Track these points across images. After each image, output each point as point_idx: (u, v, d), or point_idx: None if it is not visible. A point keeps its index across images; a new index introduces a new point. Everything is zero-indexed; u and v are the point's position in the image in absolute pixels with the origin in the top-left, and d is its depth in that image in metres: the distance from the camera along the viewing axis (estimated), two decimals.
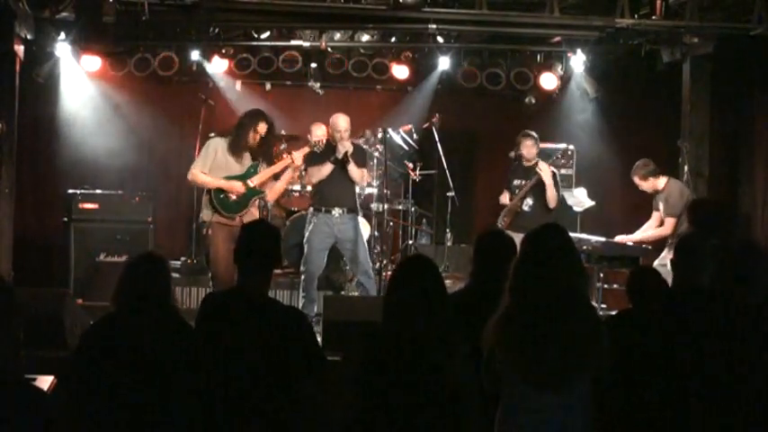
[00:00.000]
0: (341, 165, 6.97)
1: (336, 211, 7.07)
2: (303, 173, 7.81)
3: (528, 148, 7.62)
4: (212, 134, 7.35)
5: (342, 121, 7.02)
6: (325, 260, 7.27)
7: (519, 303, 3.18)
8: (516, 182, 7.68)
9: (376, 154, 8.39)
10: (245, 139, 6.57)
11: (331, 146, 7.03)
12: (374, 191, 8.43)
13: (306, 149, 6.89)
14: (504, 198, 7.72)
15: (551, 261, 3.18)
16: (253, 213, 6.65)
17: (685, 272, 3.75)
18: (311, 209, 7.22)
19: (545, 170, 7.39)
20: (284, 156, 8.58)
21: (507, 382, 3.18)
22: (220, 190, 6.50)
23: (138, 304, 3.50)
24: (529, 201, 7.54)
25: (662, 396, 3.44)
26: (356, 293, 7.49)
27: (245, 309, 3.56)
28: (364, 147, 7.96)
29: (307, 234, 7.18)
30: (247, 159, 6.64)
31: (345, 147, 6.94)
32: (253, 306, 3.57)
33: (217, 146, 6.61)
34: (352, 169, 7.02)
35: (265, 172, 6.67)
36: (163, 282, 3.59)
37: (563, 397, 3.12)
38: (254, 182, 6.59)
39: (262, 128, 6.59)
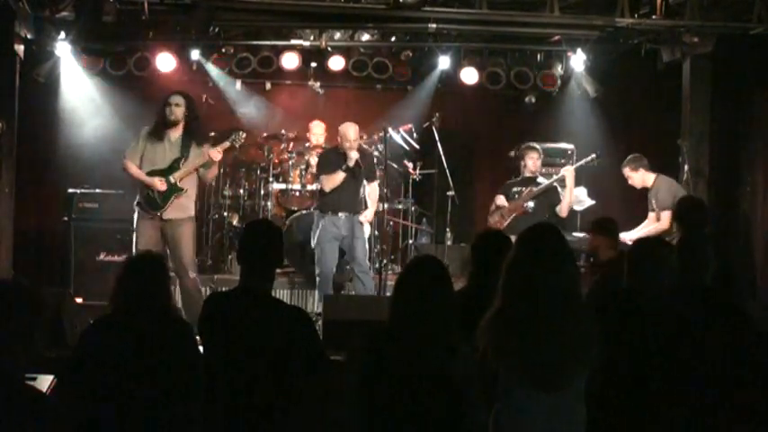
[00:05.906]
0: (351, 172, 7.32)
1: (342, 214, 7.38)
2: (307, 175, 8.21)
3: (534, 161, 7.72)
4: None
5: (351, 132, 7.39)
6: (337, 259, 7.52)
7: (513, 303, 3.17)
8: (516, 188, 7.73)
9: (376, 153, 8.41)
10: (163, 117, 6.70)
11: (338, 153, 7.42)
12: None
13: (226, 144, 6.92)
14: (500, 200, 7.73)
15: (545, 260, 3.17)
16: (173, 210, 6.69)
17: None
18: (317, 211, 7.55)
19: (569, 173, 7.52)
20: (286, 154, 8.68)
21: (503, 381, 3.17)
22: (145, 184, 6.68)
23: (136, 304, 3.50)
24: (530, 203, 7.57)
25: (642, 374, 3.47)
26: (353, 292, 7.53)
27: (248, 308, 3.56)
28: (368, 148, 8.09)
29: (315, 237, 7.44)
30: (175, 150, 6.72)
31: (354, 156, 7.30)
32: (256, 305, 3.57)
33: (144, 135, 6.78)
34: (373, 196, 7.56)
35: (187, 168, 6.74)
36: (160, 282, 3.59)
37: (560, 395, 3.11)
38: (175, 178, 6.70)
39: (174, 99, 6.73)
